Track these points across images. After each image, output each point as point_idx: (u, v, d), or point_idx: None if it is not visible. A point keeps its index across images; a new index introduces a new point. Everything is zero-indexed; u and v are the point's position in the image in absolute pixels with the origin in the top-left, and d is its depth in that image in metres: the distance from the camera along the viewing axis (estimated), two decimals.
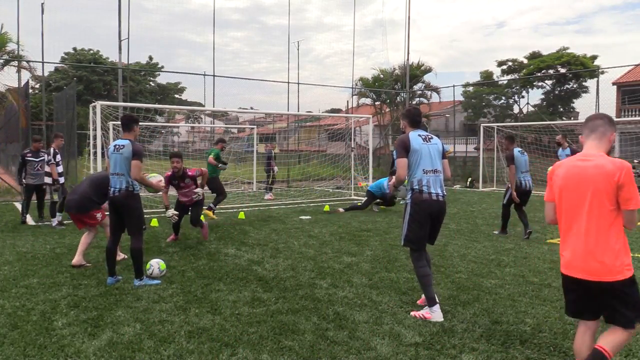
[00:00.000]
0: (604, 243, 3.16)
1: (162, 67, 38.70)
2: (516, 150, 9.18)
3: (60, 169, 10.72)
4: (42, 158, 10.64)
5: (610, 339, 3.21)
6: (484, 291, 5.70)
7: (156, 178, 7.25)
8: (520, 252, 7.82)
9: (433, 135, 5.10)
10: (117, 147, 5.93)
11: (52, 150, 10.51)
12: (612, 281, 3.13)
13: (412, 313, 4.92)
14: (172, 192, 8.59)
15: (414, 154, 4.84)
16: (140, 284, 5.86)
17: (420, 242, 4.92)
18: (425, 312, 4.84)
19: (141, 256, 5.94)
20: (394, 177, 5.07)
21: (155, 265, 6.25)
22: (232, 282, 6.07)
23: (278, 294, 5.58)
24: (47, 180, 10.51)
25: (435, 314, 4.78)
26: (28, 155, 10.60)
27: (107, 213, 6.33)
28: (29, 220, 10.84)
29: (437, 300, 4.87)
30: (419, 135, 4.94)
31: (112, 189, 5.93)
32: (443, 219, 5.05)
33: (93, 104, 12.06)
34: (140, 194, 6.10)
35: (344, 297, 5.46)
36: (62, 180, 10.77)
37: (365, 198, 12.75)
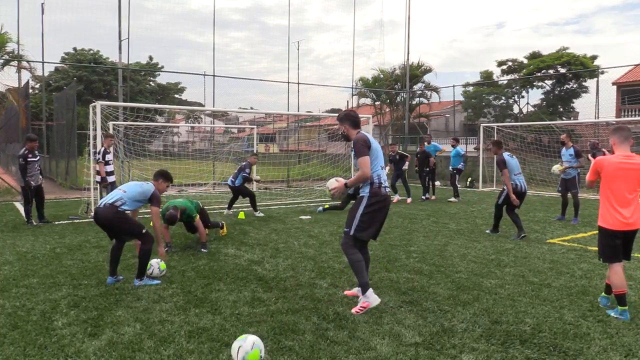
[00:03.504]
0: None
1: (162, 67, 38.77)
2: (506, 155, 9.19)
3: (110, 167, 10.89)
4: (39, 158, 10.68)
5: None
6: (484, 291, 5.70)
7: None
8: (520, 252, 7.82)
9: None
10: (143, 183, 6.29)
11: (102, 149, 10.76)
12: None
13: (352, 310, 4.97)
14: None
15: (373, 151, 5.08)
16: (140, 284, 5.87)
17: (369, 234, 5.18)
18: (362, 303, 4.97)
19: (148, 257, 5.95)
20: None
21: (156, 265, 6.25)
22: (232, 282, 6.07)
23: (278, 294, 5.59)
24: (108, 178, 10.82)
25: (371, 298, 4.95)
26: (29, 156, 10.46)
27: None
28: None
29: (369, 285, 5.05)
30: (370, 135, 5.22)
31: (101, 200, 6.20)
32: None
33: (93, 104, 12.06)
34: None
35: (344, 297, 5.46)
36: (112, 178, 10.92)
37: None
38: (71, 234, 9.26)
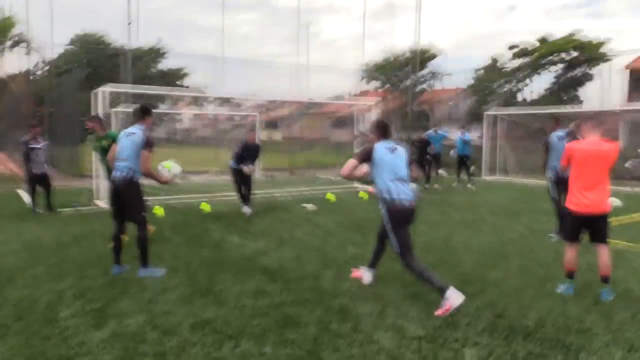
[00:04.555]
0: None
1: (168, 51, 38.56)
2: (555, 135, 8.26)
3: None
4: (42, 145, 10.57)
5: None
6: (488, 284, 5.69)
7: (173, 169, 6.66)
8: (526, 243, 7.80)
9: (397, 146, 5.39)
10: (128, 133, 5.98)
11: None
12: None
13: (435, 313, 4.71)
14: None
15: (378, 162, 5.15)
16: (146, 274, 5.88)
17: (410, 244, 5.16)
18: (445, 305, 4.71)
19: (146, 244, 5.94)
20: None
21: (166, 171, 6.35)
22: (237, 272, 6.08)
23: (282, 285, 5.60)
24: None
25: (452, 298, 4.71)
26: (31, 142, 10.37)
27: None
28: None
29: (447, 285, 4.84)
30: (386, 147, 5.23)
31: (113, 174, 5.99)
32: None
33: (98, 89, 12.01)
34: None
35: (348, 290, 5.46)
36: None
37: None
38: (76, 223, 9.28)
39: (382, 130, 5.39)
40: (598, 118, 5.51)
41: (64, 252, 7.01)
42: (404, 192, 5.09)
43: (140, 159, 5.82)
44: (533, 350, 4.01)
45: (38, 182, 10.48)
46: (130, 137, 5.91)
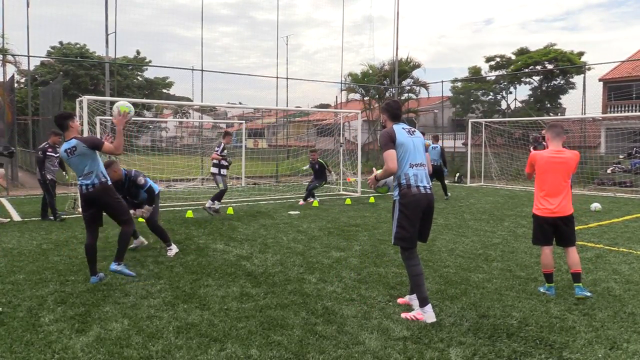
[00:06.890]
0: None
1: (150, 61, 38.48)
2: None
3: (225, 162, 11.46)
4: (59, 155, 10.52)
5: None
6: (472, 285, 5.74)
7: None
8: (508, 246, 7.88)
9: (415, 129, 5.01)
10: (69, 151, 5.68)
11: (222, 144, 11.38)
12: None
13: (402, 315, 4.74)
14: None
15: (400, 147, 4.69)
16: (117, 269, 5.86)
17: (411, 239, 4.73)
18: (417, 313, 4.68)
19: (127, 241, 5.98)
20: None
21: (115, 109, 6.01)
22: (220, 277, 6.06)
23: (267, 289, 5.58)
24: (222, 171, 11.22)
25: (427, 315, 4.62)
26: (49, 150, 10.31)
27: None
28: (16, 216, 10.75)
29: (429, 301, 4.72)
30: (403, 128, 4.81)
31: (83, 187, 5.74)
32: (433, 213, 4.89)
33: (80, 98, 11.94)
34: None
35: (332, 292, 5.47)
36: (224, 172, 11.34)
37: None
38: (58, 230, 9.18)
39: (393, 111, 4.88)
40: (559, 127, 5.57)
41: (45, 259, 6.92)
42: (421, 179, 4.72)
43: (107, 151, 5.71)
44: (517, 349, 4.05)
45: (53, 187, 10.41)
46: (74, 153, 5.66)
